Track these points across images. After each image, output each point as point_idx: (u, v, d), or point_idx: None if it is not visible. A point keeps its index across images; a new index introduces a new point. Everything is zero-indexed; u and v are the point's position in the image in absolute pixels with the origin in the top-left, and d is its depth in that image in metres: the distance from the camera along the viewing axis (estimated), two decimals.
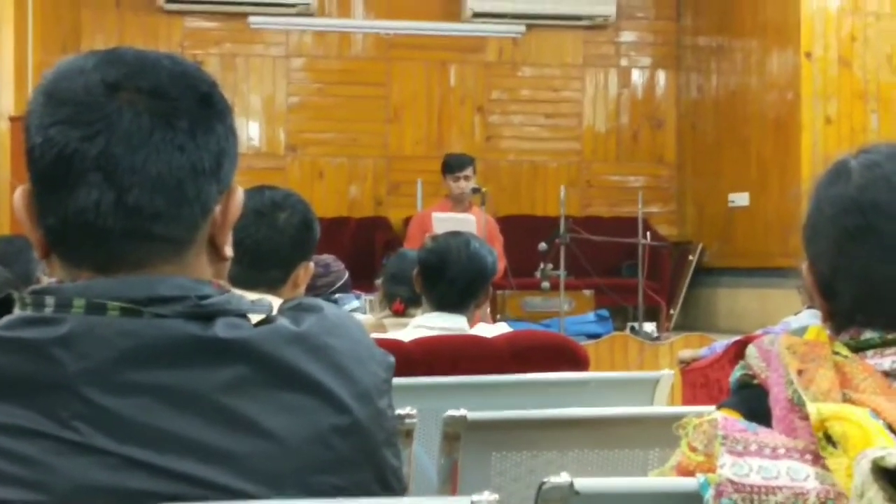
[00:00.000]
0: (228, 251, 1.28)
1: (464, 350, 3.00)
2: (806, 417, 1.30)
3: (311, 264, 2.70)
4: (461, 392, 2.63)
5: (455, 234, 3.38)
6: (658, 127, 10.31)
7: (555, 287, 7.54)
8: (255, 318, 1.23)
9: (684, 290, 9.47)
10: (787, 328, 4.19)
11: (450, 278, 3.20)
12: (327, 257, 4.51)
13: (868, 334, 1.42)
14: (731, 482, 1.26)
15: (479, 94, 10.10)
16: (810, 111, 8.28)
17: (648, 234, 8.36)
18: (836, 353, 1.39)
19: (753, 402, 1.40)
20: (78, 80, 1.20)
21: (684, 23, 10.25)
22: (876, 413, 1.29)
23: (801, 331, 1.47)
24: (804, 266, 1.51)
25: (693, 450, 1.33)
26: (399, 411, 1.84)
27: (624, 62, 10.34)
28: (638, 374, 3.20)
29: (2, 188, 7.39)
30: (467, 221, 6.80)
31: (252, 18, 9.78)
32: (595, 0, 9.97)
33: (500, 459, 2.18)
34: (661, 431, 1.86)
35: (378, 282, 4.31)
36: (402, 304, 3.87)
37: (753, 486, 1.25)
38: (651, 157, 10.31)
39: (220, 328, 1.17)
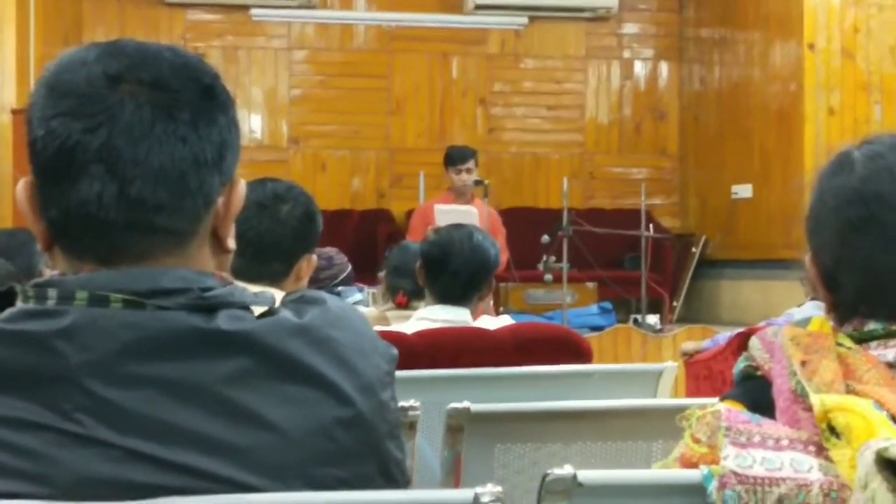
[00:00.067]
0: (231, 243, 1.28)
1: (467, 342, 3.00)
2: (809, 409, 1.30)
3: (314, 257, 2.70)
4: (464, 384, 2.63)
5: (458, 227, 3.38)
6: (661, 119, 10.30)
7: (558, 279, 7.54)
8: (257, 310, 1.22)
9: (687, 282, 9.47)
10: (790, 320, 4.19)
11: (453, 271, 3.20)
12: (330, 250, 4.51)
13: (871, 325, 1.41)
14: (735, 474, 1.26)
15: (481, 86, 10.10)
16: (813, 103, 8.27)
17: (651, 226, 8.36)
18: (840, 345, 1.39)
19: (757, 394, 1.40)
20: (80, 72, 1.20)
21: (687, 14, 10.23)
22: (879, 404, 1.29)
23: (805, 322, 1.46)
24: (807, 257, 1.51)
25: (696, 441, 1.33)
26: (402, 403, 1.84)
27: (626, 54, 10.33)
28: (641, 366, 3.20)
29: (4, 181, 7.39)
30: (470, 214, 6.80)
31: (254, 11, 9.78)
32: None
33: (504, 451, 2.18)
34: (664, 423, 1.86)
35: (381, 274, 4.31)
36: (404, 297, 3.87)
37: (757, 478, 1.25)
38: (654, 149, 10.30)
39: (223, 320, 1.17)
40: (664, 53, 10.33)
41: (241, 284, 1.26)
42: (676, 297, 9.29)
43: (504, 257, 6.30)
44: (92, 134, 1.17)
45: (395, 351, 1.31)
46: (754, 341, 1.46)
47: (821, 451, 1.27)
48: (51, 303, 1.16)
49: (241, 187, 1.28)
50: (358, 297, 4.58)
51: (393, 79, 9.98)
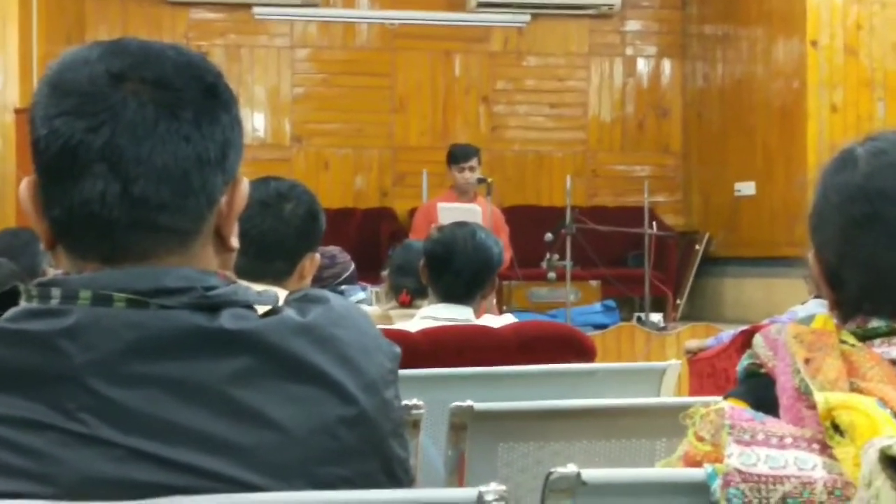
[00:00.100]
0: (234, 242, 1.28)
1: (470, 340, 3.00)
2: (813, 406, 1.30)
3: (317, 255, 2.70)
4: (468, 383, 2.63)
5: (461, 225, 3.38)
6: (664, 116, 10.30)
7: (561, 277, 7.54)
8: (261, 309, 1.22)
9: (691, 279, 9.46)
10: (793, 317, 4.19)
11: (456, 269, 3.20)
12: (333, 248, 4.51)
13: (875, 323, 1.41)
14: (739, 472, 1.25)
15: (484, 84, 10.09)
16: (816, 100, 8.26)
17: (654, 223, 8.35)
18: (844, 342, 1.39)
19: (760, 392, 1.40)
20: (83, 70, 1.20)
21: (690, 11, 10.23)
22: (883, 402, 1.28)
23: (808, 320, 1.46)
24: (810, 255, 1.51)
25: (700, 440, 1.33)
26: (406, 402, 1.84)
27: (629, 51, 10.33)
28: (644, 364, 3.20)
29: (8, 180, 7.40)
30: (473, 212, 6.80)
31: (256, 9, 9.78)
32: None
33: (507, 450, 2.18)
34: (667, 421, 1.85)
35: (384, 273, 4.31)
36: (408, 296, 3.87)
37: (761, 476, 1.25)
38: (657, 146, 10.30)
39: (227, 319, 1.17)
40: (667, 50, 10.32)
41: (244, 283, 1.26)
42: (680, 294, 9.29)
43: (507, 255, 6.30)
44: (95, 133, 1.17)
45: (398, 349, 1.31)
46: (758, 339, 1.46)
47: (825, 448, 1.27)
48: (54, 302, 1.16)
49: (245, 186, 1.28)
50: (361, 295, 4.58)
51: (396, 77, 9.98)
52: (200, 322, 1.16)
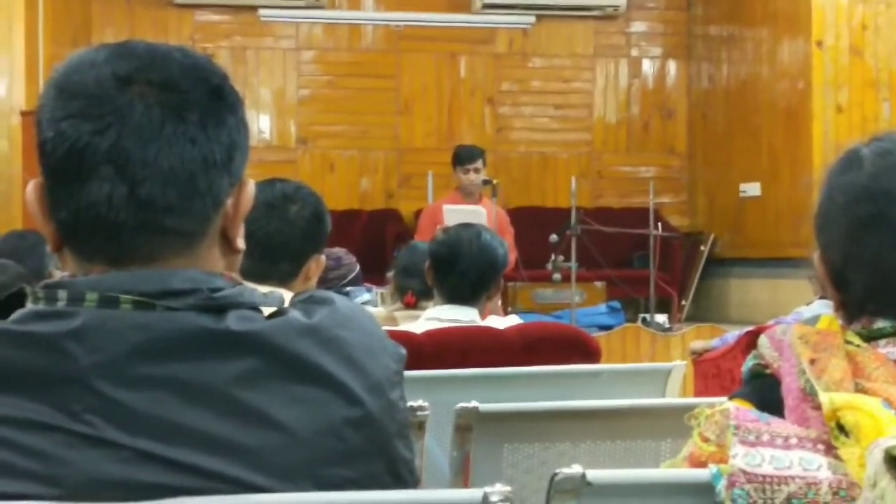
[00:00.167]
0: (240, 243, 1.28)
1: (475, 342, 3.00)
2: (818, 407, 1.30)
3: (323, 257, 2.70)
4: (473, 384, 2.63)
5: (466, 226, 3.38)
6: (669, 117, 10.29)
7: (566, 279, 7.54)
8: (266, 310, 1.23)
9: (696, 280, 9.46)
10: (798, 318, 4.19)
11: (461, 270, 3.20)
12: (338, 250, 4.51)
13: (880, 323, 1.41)
14: (744, 472, 1.26)
15: (489, 85, 10.10)
16: (821, 100, 8.26)
17: (660, 224, 8.35)
18: (849, 343, 1.39)
19: (765, 392, 1.40)
20: (89, 73, 1.20)
21: (695, 12, 10.22)
22: (888, 402, 1.29)
23: (814, 320, 1.46)
24: (816, 255, 1.51)
25: (705, 440, 1.33)
26: (411, 403, 1.85)
27: (634, 52, 10.33)
28: (650, 365, 3.21)
29: (14, 182, 7.42)
30: (478, 213, 6.80)
31: (262, 11, 9.79)
32: None
33: (513, 451, 2.19)
34: (673, 422, 1.85)
35: (389, 275, 4.31)
36: (413, 297, 3.87)
37: (766, 476, 1.25)
38: (662, 147, 10.30)
39: (232, 321, 1.17)
40: (672, 52, 10.32)
41: (250, 285, 1.26)
42: (685, 295, 9.28)
43: (512, 257, 6.30)
44: (101, 135, 1.18)
45: (403, 350, 1.31)
46: (763, 340, 1.46)
47: (830, 449, 1.27)
48: (61, 304, 1.16)
49: (250, 188, 1.28)
50: (366, 297, 4.58)
51: (401, 79, 9.99)
52: (206, 324, 1.16)
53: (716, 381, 5.22)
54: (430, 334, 2.99)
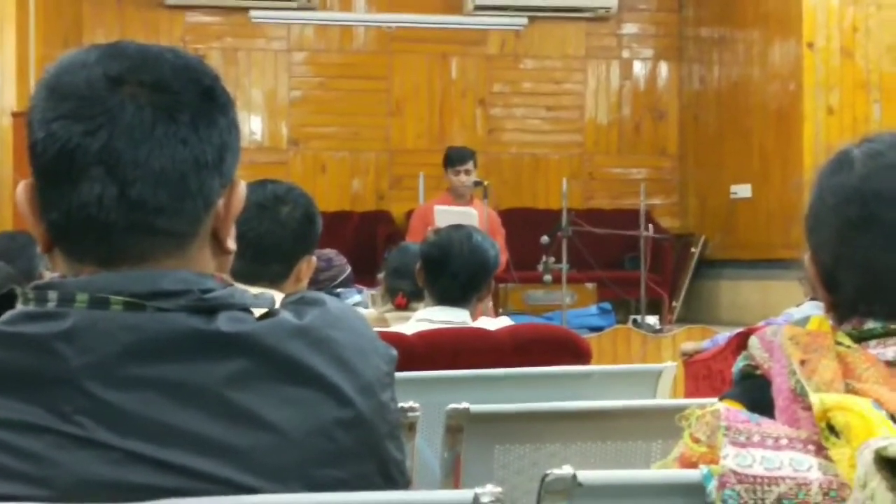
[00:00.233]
0: (231, 244, 1.28)
1: (466, 343, 3.00)
2: (809, 408, 1.30)
3: (314, 258, 2.70)
4: (463, 385, 2.63)
5: (457, 228, 3.38)
6: (660, 119, 10.31)
7: (557, 280, 7.54)
8: (257, 311, 1.23)
9: (687, 282, 9.47)
10: (789, 319, 4.19)
11: (452, 272, 3.20)
12: (329, 251, 4.51)
13: (870, 324, 1.42)
14: (734, 473, 1.26)
15: (480, 86, 10.10)
16: (812, 102, 8.27)
17: (651, 226, 8.36)
18: (839, 344, 1.39)
19: (756, 393, 1.40)
20: (80, 73, 1.20)
21: (686, 14, 10.24)
22: (878, 403, 1.29)
23: (804, 321, 1.47)
24: (806, 256, 1.51)
25: (696, 441, 1.33)
26: (402, 404, 1.84)
27: (626, 54, 10.34)
28: (640, 366, 3.21)
29: (4, 184, 7.40)
30: (469, 214, 6.80)
31: (253, 13, 9.78)
32: None
33: (503, 452, 2.19)
34: (663, 423, 1.86)
35: (380, 276, 4.31)
36: (404, 298, 3.87)
37: (756, 477, 1.25)
38: (653, 149, 10.31)
39: (223, 322, 1.17)
40: (663, 53, 10.33)
41: (241, 286, 1.26)
42: (676, 297, 9.29)
43: (503, 258, 6.30)
44: (92, 136, 1.18)
45: (394, 352, 1.31)
46: (753, 340, 1.47)
47: (820, 450, 1.27)
48: (51, 305, 1.16)
49: (242, 189, 1.28)
50: (357, 298, 4.58)
51: (392, 80, 9.99)
52: (197, 325, 1.16)
53: (706, 383, 5.23)
54: (421, 335, 2.99)
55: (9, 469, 1.10)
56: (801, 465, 1.26)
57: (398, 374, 1.31)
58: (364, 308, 4.47)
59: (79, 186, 1.18)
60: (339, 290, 4.40)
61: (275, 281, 2.57)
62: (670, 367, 2.81)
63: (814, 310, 3.90)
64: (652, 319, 7.93)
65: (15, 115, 7.38)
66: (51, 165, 1.19)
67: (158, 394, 1.13)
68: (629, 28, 10.34)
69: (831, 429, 1.27)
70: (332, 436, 1.19)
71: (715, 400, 1.44)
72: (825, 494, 1.24)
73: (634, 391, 2.75)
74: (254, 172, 6.81)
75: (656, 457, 2.15)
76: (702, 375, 5.31)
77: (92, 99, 1.19)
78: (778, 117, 8.66)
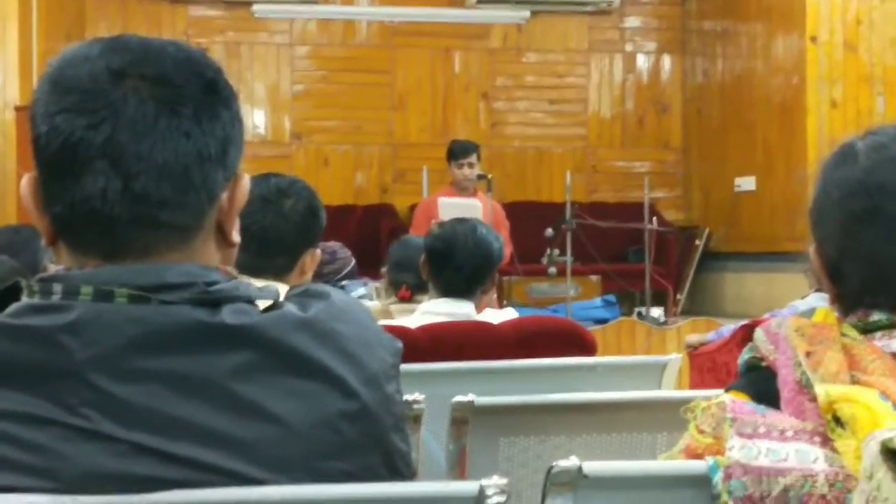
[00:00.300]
0: (235, 237, 1.28)
1: (470, 336, 3.00)
2: (814, 399, 1.30)
3: (318, 251, 2.70)
4: (468, 378, 2.63)
5: (461, 221, 3.38)
6: (663, 112, 10.29)
7: (561, 273, 7.54)
8: (262, 304, 1.23)
9: (691, 274, 9.46)
10: (794, 312, 4.19)
11: (456, 265, 3.20)
12: (333, 244, 4.51)
13: (876, 316, 1.41)
14: (740, 464, 1.26)
15: (483, 80, 10.09)
16: (816, 95, 8.26)
17: (655, 219, 8.35)
18: (845, 335, 1.39)
19: (762, 385, 1.40)
20: (83, 67, 1.20)
21: (689, 7, 10.22)
22: (884, 394, 1.29)
23: (809, 313, 1.47)
24: (811, 249, 1.51)
25: (701, 432, 1.33)
26: (407, 397, 1.85)
27: (629, 47, 10.32)
28: (645, 358, 3.20)
29: (8, 177, 7.41)
30: (474, 206, 6.81)
31: (256, 7, 9.77)
32: None
33: (509, 444, 2.19)
34: (669, 415, 1.86)
35: (384, 270, 4.31)
36: (408, 291, 3.87)
37: (762, 469, 1.25)
38: (657, 142, 10.29)
39: (228, 314, 1.17)
40: (667, 46, 10.31)
41: (245, 279, 1.26)
42: (680, 289, 9.29)
43: (508, 251, 6.30)
44: (95, 130, 1.18)
45: (399, 344, 1.31)
46: (759, 332, 1.47)
47: (826, 441, 1.27)
48: (56, 298, 1.16)
49: (245, 182, 1.28)
50: (361, 291, 4.58)
51: (395, 74, 9.98)
52: (202, 317, 1.16)
53: (711, 375, 5.23)
54: (425, 328, 2.99)
55: (15, 461, 1.10)
56: (806, 457, 1.26)
57: (403, 367, 1.31)
58: (368, 301, 4.47)
59: (82, 180, 1.18)
60: (343, 282, 4.40)
61: (279, 274, 2.57)
62: (675, 360, 2.81)
63: (819, 302, 3.90)
64: (656, 312, 7.93)
65: (18, 109, 7.38)
66: (54, 159, 1.19)
67: (163, 386, 1.13)
68: (632, 21, 10.32)
69: (837, 420, 1.27)
70: (338, 428, 1.19)
71: (720, 391, 1.43)
72: (831, 486, 1.24)
73: (639, 383, 2.75)
74: (257, 166, 6.82)
75: (662, 448, 2.14)
76: (706, 367, 5.31)
77: (95, 92, 1.19)
78: (781, 110, 8.65)
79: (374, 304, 4.04)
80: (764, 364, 1.44)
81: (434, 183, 8.42)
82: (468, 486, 1.18)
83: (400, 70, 9.98)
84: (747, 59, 9.22)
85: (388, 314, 3.65)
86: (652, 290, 8.09)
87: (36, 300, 1.17)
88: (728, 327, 5.48)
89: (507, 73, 10.13)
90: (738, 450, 1.26)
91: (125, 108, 1.18)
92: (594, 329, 6.88)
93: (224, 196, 1.25)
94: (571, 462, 1.27)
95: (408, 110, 9.98)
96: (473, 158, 7.53)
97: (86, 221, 1.19)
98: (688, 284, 9.42)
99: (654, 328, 7.60)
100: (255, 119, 9.77)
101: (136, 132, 1.18)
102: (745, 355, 1.48)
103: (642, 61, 10.34)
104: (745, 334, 4.82)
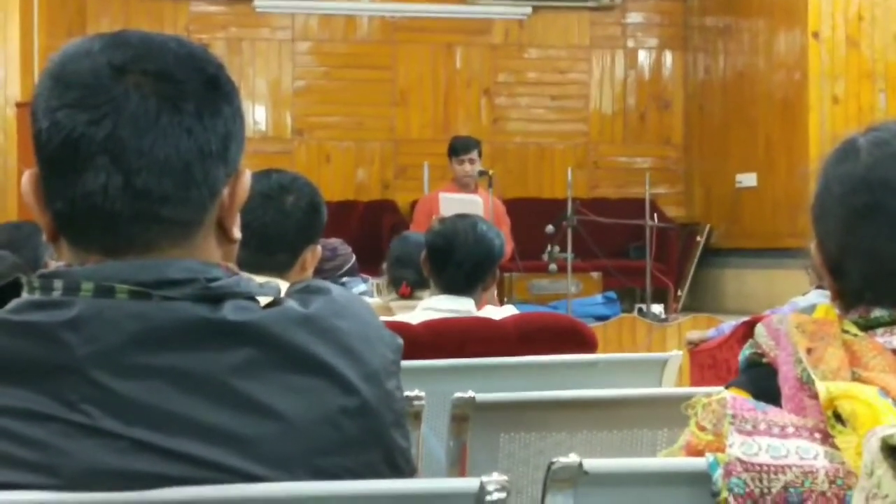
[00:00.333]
0: (237, 233, 1.28)
1: (471, 332, 3.00)
2: (815, 396, 1.30)
3: (319, 248, 2.70)
4: (469, 374, 2.64)
5: (462, 217, 3.38)
6: (665, 108, 10.29)
7: (562, 269, 7.54)
8: (263, 300, 1.23)
9: (692, 271, 9.46)
10: (794, 308, 4.19)
11: (457, 261, 3.20)
12: (334, 241, 4.51)
13: (877, 312, 1.41)
14: (741, 461, 1.26)
15: (485, 76, 10.09)
16: (818, 91, 8.25)
17: (656, 215, 8.36)
18: (846, 332, 1.39)
19: (762, 381, 1.40)
20: (84, 62, 1.20)
21: (691, 3, 10.21)
22: (885, 391, 1.29)
23: (810, 310, 1.47)
24: (813, 245, 1.51)
25: (702, 429, 1.33)
26: (407, 393, 1.84)
27: (631, 43, 10.32)
28: (646, 355, 3.20)
29: (10, 174, 7.41)
30: (475, 202, 6.80)
31: (257, 2, 9.78)
32: None
33: (509, 441, 2.19)
34: (669, 412, 1.86)
35: (384, 266, 4.31)
36: (408, 287, 3.87)
37: (763, 465, 1.25)
38: (658, 138, 10.29)
39: (229, 311, 1.17)
40: (668, 43, 10.31)
41: (246, 275, 1.26)
42: (681, 286, 9.29)
43: (509, 248, 6.29)
44: (97, 125, 1.18)
45: (400, 340, 1.31)
46: (760, 329, 1.47)
47: (826, 438, 1.27)
48: (57, 294, 1.16)
49: (246, 178, 1.28)
50: (362, 287, 4.59)
51: (397, 70, 9.98)
52: (203, 313, 1.16)
53: (712, 372, 5.23)
54: (426, 325, 2.99)
55: (15, 457, 1.10)
56: (807, 454, 1.26)
57: (404, 363, 1.31)
58: (369, 297, 4.47)
59: (83, 176, 1.18)
60: (344, 279, 4.40)
61: (280, 270, 2.57)
62: (676, 356, 2.81)
63: (820, 298, 3.90)
64: (657, 308, 7.93)
65: (19, 105, 7.39)
66: (55, 154, 1.19)
67: (164, 382, 1.13)
68: (634, 17, 10.32)
69: (838, 417, 1.27)
70: (338, 424, 1.19)
71: (721, 388, 1.43)
72: (832, 482, 1.24)
73: (640, 380, 2.75)
74: (258, 162, 6.82)
75: (662, 445, 2.15)
76: (707, 364, 5.31)
77: (96, 88, 1.19)
78: (783, 107, 8.65)
79: (374, 301, 4.04)
80: (765, 361, 1.44)
81: (435, 179, 8.42)
82: (469, 483, 1.18)
83: (401, 66, 9.98)
84: (749, 55, 9.21)
85: (388, 311, 3.65)
86: (653, 287, 8.09)
87: (37, 296, 1.17)
88: (729, 324, 5.48)
89: (508, 69, 10.13)
90: (738, 446, 1.26)
91: (127, 103, 1.18)
92: (595, 326, 6.88)
93: (225, 192, 1.25)
94: (572, 459, 1.27)
95: (409, 106, 9.98)
96: (475, 154, 7.53)
97: (87, 217, 1.19)
98: (689, 281, 9.42)
99: (655, 325, 7.60)
100: (257, 115, 9.77)
101: (137, 128, 1.18)
102: (745, 351, 1.48)
103: (644, 57, 10.34)
104: (746, 331, 4.82)
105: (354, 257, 4.59)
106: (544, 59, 10.17)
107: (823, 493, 1.24)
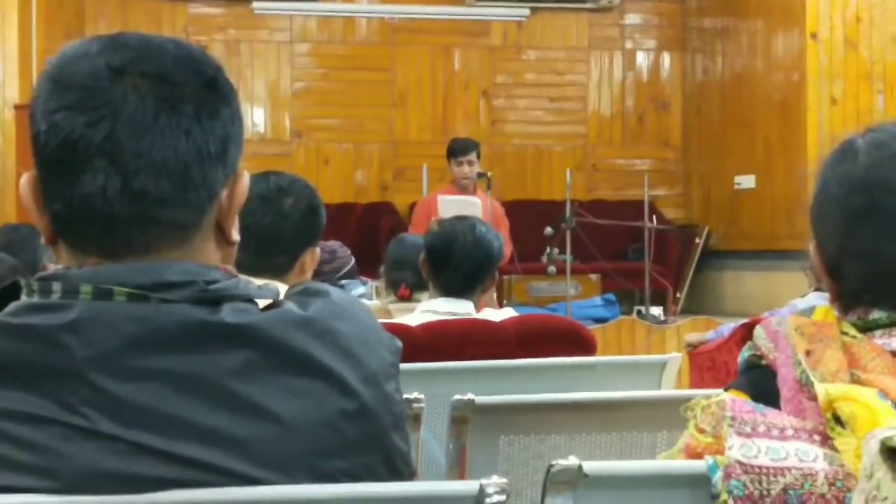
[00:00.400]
0: (235, 235, 1.28)
1: (470, 334, 3.00)
2: (814, 398, 1.30)
3: (318, 250, 2.70)
4: (469, 376, 2.63)
5: (461, 219, 3.38)
6: (663, 110, 10.29)
7: (561, 271, 7.54)
8: (262, 303, 1.23)
9: (691, 273, 9.46)
10: (793, 310, 4.19)
11: (456, 263, 3.20)
12: (333, 243, 4.51)
13: (876, 314, 1.41)
14: (740, 463, 1.26)
15: (483, 78, 10.09)
16: (816, 92, 8.26)
17: (654, 217, 8.36)
18: (845, 334, 1.39)
19: (761, 383, 1.40)
20: (83, 64, 1.20)
21: (689, 5, 10.22)
22: (884, 393, 1.29)
23: (809, 312, 1.46)
24: (811, 246, 1.51)
25: (701, 431, 1.33)
26: (406, 396, 1.84)
27: (629, 45, 10.32)
28: (645, 357, 3.20)
29: (8, 176, 7.41)
30: (473, 204, 6.81)
31: (256, 4, 9.77)
32: None
33: (508, 443, 2.19)
34: (668, 414, 1.86)
35: (382, 269, 4.31)
36: (407, 289, 3.87)
37: (762, 468, 1.25)
38: (657, 140, 10.29)
39: (228, 313, 1.17)
40: (667, 44, 10.31)
41: (245, 277, 1.26)
42: (680, 288, 9.28)
43: (507, 250, 6.29)
44: (95, 127, 1.17)
45: (399, 342, 1.31)
46: (759, 331, 1.46)
47: (826, 440, 1.27)
48: (55, 297, 1.16)
49: (245, 180, 1.28)
50: (361, 290, 4.58)
51: (395, 71, 9.98)
52: (202, 316, 1.16)
53: (711, 374, 5.23)
54: (425, 327, 2.99)
55: (15, 460, 1.10)
56: (806, 456, 1.26)
57: (403, 366, 1.31)
58: (368, 299, 4.47)
59: (82, 178, 1.18)
60: (343, 281, 4.40)
61: (279, 273, 2.56)
62: (675, 358, 2.81)
63: (819, 300, 3.90)
64: (656, 310, 7.93)
65: (18, 107, 7.38)
66: (54, 157, 1.19)
67: (163, 385, 1.13)
68: (632, 19, 10.32)
69: (837, 419, 1.27)
70: (337, 427, 1.18)
71: (720, 390, 1.43)
72: (831, 485, 1.24)
73: (639, 382, 2.75)
74: (257, 164, 6.80)
75: (661, 448, 2.14)
76: (706, 366, 5.31)
77: (94, 90, 1.18)
78: (781, 108, 8.65)
79: (373, 303, 4.04)
80: (763, 363, 1.44)
81: (434, 181, 8.42)
82: (468, 486, 1.18)
83: (400, 67, 9.98)
84: (747, 56, 9.22)
85: (387, 313, 3.65)
86: (651, 289, 8.09)
87: (35, 299, 1.17)
88: (728, 326, 5.48)
89: (507, 70, 10.13)
90: (737, 449, 1.26)
91: (125, 105, 1.18)
92: (594, 328, 6.88)
93: (224, 194, 1.25)
94: (571, 461, 1.27)
95: (408, 108, 9.98)
96: (473, 156, 7.53)
97: (85, 219, 1.19)
98: (687, 283, 9.42)
99: (654, 327, 7.60)
100: (255, 117, 9.77)
101: (135, 130, 1.18)
102: (744, 353, 1.48)
103: (642, 59, 10.34)
104: (745, 333, 4.82)
105: (353, 259, 4.59)
106: (542, 60, 10.17)
107: (823, 496, 1.24)
